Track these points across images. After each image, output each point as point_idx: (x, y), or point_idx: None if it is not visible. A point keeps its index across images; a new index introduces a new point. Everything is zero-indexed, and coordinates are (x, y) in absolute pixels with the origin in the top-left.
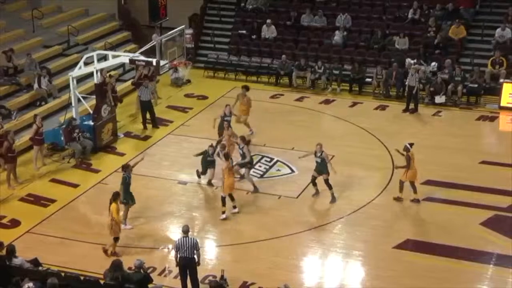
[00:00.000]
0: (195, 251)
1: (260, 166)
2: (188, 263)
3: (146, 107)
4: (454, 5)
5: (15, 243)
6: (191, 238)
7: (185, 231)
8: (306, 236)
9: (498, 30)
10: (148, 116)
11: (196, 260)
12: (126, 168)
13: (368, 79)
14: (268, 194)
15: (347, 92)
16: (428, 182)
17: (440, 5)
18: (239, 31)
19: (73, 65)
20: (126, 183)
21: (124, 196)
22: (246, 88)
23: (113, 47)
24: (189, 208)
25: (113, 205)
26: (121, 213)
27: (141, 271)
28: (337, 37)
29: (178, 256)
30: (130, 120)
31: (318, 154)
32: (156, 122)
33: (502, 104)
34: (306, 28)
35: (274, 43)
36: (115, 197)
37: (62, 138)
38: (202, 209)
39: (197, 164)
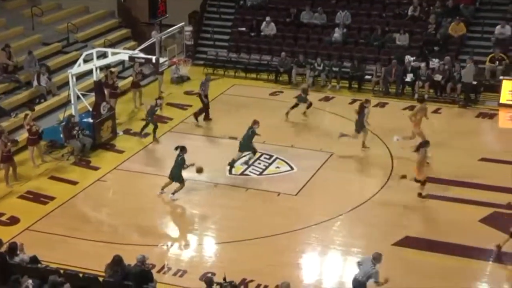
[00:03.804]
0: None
1: (259, 163)
2: None
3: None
4: (454, 2)
5: (14, 240)
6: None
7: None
8: (306, 233)
9: (498, 27)
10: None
11: None
12: (182, 148)
13: (367, 76)
14: (267, 191)
15: (346, 89)
16: (427, 179)
17: (440, 2)
18: (239, 28)
19: (73, 62)
20: (179, 163)
21: (174, 173)
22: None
23: (113, 44)
24: (188, 205)
25: None
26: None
27: (142, 266)
28: (337, 34)
29: None
30: (129, 118)
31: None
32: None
33: (502, 101)
34: (306, 25)
35: (274, 40)
36: None
37: (62, 136)
38: (201, 206)
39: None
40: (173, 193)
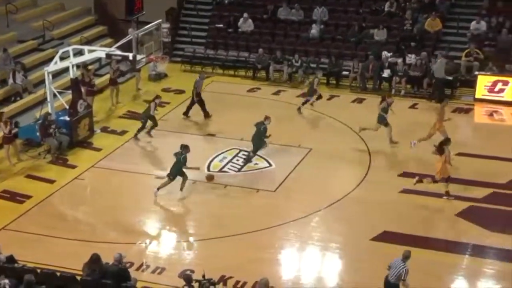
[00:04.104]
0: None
1: (237, 160)
2: None
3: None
4: None
5: None
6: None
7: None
8: (284, 229)
9: (473, 23)
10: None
11: None
12: (186, 147)
13: (345, 72)
14: (246, 188)
15: (324, 85)
16: (404, 174)
17: None
18: (216, 25)
19: (49, 60)
20: (181, 162)
21: (174, 171)
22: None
23: (89, 41)
24: (167, 203)
25: None
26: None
27: (120, 265)
28: (314, 30)
29: None
30: (107, 115)
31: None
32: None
33: (477, 96)
34: (283, 21)
35: (251, 37)
36: None
37: (38, 134)
38: (180, 203)
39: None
40: (158, 188)
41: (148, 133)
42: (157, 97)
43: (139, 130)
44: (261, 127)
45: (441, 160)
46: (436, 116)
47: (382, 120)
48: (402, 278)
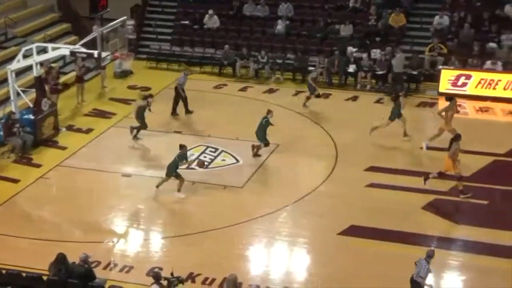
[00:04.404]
0: None
1: (205, 157)
2: None
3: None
4: None
5: None
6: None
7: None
8: (252, 225)
9: (436, 17)
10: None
11: None
12: (183, 147)
13: (311, 68)
14: (213, 185)
15: (290, 81)
16: (371, 168)
17: None
18: (182, 22)
19: (12, 58)
20: (176, 160)
21: (172, 169)
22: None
23: (53, 39)
24: (134, 200)
25: None
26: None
27: (85, 265)
28: (280, 26)
29: None
30: (72, 113)
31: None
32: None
33: (441, 90)
34: (249, 17)
35: (217, 33)
36: None
37: (1, 133)
38: (147, 201)
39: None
40: (178, 190)
41: (135, 135)
42: (150, 96)
43: (137, 131)
44: (263, 120)
45: (448, 156)
46: (444, 114)
47: (396, 115)
48: (420, 275)
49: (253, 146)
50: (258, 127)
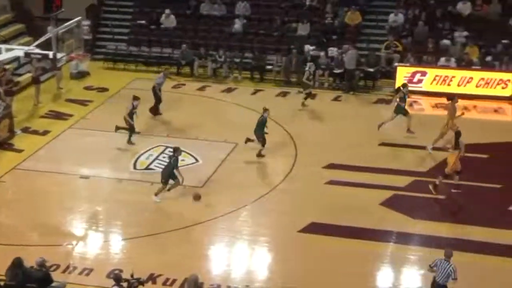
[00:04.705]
0: None
1: (164, 157)
2: None
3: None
4: None
5: None
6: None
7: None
8: (213, 225)
9: (392, 15)
10: None
11: None
12: (176, 150)
13: (268, 67)
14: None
15: (248, 80)
16: (330, 166)
17: None
18: (138, 21)
19: None
20: (171, 165)
21: (165, 176)
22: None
23: (6, 40)
24: (92, 202)
25: None
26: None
27: (43, 269)
28: (237, 25)
29: None
30: (28, 115)
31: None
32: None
33: (397, 87)
34: (206, 16)
35: (174, 33)
36: None
37: None
38: (106, 203)
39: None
40: (156, 195)
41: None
42: (136, 98)
43: (130, 135)
44: (260, 117)
45: (455, 154)
46: (447, 115)
47: (401, 110)
48: (453, 277)
49: (247, 139)
50: (257, 126)
